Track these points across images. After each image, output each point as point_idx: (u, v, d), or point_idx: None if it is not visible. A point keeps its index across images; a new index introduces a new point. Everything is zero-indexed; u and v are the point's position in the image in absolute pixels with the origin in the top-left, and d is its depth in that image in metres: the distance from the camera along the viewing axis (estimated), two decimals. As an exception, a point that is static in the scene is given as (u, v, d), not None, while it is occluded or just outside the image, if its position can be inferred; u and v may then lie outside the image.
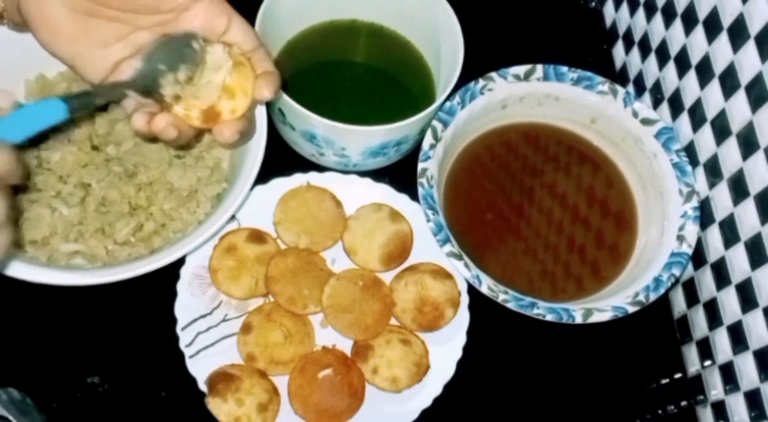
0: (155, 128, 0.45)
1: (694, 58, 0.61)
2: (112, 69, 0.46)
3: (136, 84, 0.44)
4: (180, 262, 0.58)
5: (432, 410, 0.57)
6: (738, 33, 0.55)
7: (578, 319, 0.55)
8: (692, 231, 0.59)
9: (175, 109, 0.46)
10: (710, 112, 0.60)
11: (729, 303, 0.58)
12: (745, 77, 0.54)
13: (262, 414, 0.54)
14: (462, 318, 0.59)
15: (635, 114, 0.63)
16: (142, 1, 0.45)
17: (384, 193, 0.63)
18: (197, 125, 0.46)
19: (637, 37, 0.72)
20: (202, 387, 0.55)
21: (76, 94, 0.42)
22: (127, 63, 0.46)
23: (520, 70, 0.63)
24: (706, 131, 0.60)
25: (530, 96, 0.64)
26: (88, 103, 0.43)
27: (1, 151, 0.36)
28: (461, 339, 0.59)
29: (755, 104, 0.53)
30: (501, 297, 0.55)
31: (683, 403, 0.61)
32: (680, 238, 0.59)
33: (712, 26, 0.58)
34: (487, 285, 0.55)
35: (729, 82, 0.56)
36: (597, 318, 0.55)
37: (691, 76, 0.62)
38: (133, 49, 0.46)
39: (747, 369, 0.56)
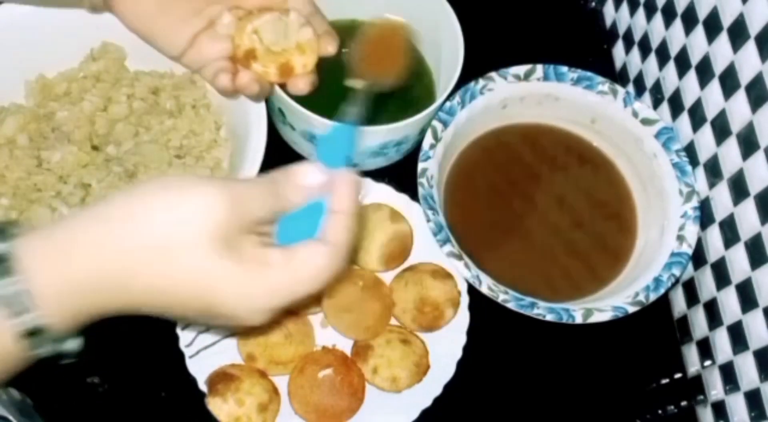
0: (240, 83, 0.50)
1: (694, 58, 0.61)
2: (190, 42, 0.49)
3: None
4: (180, 262, 0.58)
5: (432, 410, 0.57)
6: (738, 33, 0.55)
7: (578, 319, 0.55)
8: (692, 231, 0.59)
9: (254, 67, 0.50)
10: (710, 112, 0.60)
11: (729, 303, 0.58)
12: (745, 77, 0.54)
13: (262, 414, 0.54)
14: (462, 318, 0.59)
15: (635, 114, 0.63)
16: None
17: (384, 193, 0.63)
18: (274, 80, 0.52)
19: (637, 37, 0.72)
20: (202, 387, 0.55)
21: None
22: (203, 35, 0.49)
23: (520, 70, 0.63)
24: (706, 131, 0.60)
25: (530, 96, 0.64)
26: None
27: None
28: (461, 339, 0.59)
29: (755, 104, 0.53)
30: (501, 297, 0.55)
31: (683, 403, 0.61)
32: (680, 238, 0.59)
33: (712, 26, 0.58)
34: (487, 285, 0.55)
35: (729, 82, 0.56)
36: (597, 318, 0.55)
37: (691, 76, 0.62)
38: (207, 22, 0.49)
39: (747, 369, 0.56)
